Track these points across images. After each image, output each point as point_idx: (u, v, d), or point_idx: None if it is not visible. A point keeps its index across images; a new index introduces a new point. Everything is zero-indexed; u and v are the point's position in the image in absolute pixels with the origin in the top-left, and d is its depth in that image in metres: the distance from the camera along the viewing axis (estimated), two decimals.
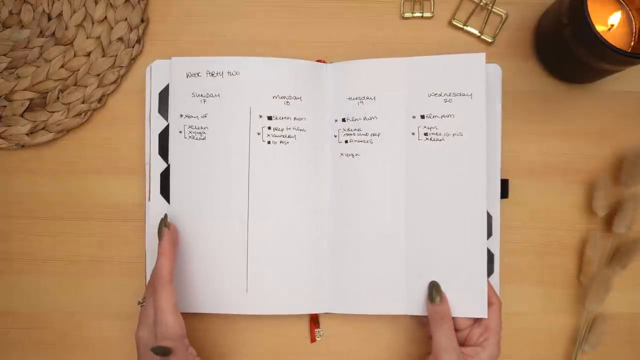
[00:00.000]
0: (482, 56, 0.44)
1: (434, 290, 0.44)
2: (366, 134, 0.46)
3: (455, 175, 0.45)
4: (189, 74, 0.47)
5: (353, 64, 0.47)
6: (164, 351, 0.38)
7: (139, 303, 0.44)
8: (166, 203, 0.47)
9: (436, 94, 0.45)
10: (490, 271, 0.47)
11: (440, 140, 0.45)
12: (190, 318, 0.49)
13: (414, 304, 0.45)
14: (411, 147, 0.46)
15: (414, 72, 0.46)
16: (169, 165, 0.47)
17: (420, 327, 0.48)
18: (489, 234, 0.47)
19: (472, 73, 0.44)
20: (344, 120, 0.47)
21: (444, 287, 0.44)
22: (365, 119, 0.46)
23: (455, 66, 0.45)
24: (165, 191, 0.47)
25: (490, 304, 0.44)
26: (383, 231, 0.46)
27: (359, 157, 0.46)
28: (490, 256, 0.47)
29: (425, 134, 0.45)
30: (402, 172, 0.46)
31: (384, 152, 0.46)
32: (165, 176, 0.47)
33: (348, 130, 0.47)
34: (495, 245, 0.47)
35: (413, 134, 0.46)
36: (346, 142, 0.47)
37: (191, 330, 0.49)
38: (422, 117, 0.45)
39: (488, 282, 0.45)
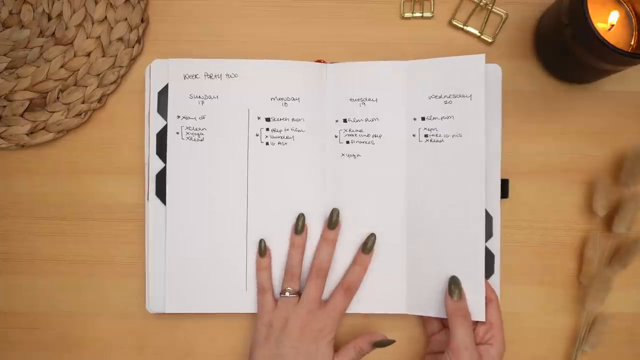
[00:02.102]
0: (481, 57, 0.44)
1: (452, 285, 0.43)
2: (368, 135, 0.46)
3: (455, 177, 0.45)
4: (187, 76, 0.47)
5: (355, 66, 0.47)
6: (388, 342, 0.44)
7: (290, 293, 0.45)
8: (161, 204, 0.47)
9: (436, 95, 0.45)
10: (490, 271, 0.47)
11: (440, 141, 0.45)
12: (190, 318, 0.49)
13: (414, 304, 0.45)
14: (412, 148, 0.46)
15: (415, 74, 0.46)
16: (165, 167, 0.47)
17: (421, 324, 0.48)
18: (490, 235, 0.47)
19: (472, 74, 0.44)
20: (345, 121, 0.47)
21: (442, 289, 0.44)
22: (367, 120, 0.46)
23: (455, 68, 0.45)
24: (161, 192, 0.47)
25: (489, 300, 0.44)
26: (383, 231, 0.46)
27: (360, 158, 0.46)
28: (491, 256, 0.47)
29: (426, 136, 0.45)
30: (402, 173, 0.46)
31: (385, 153, 0.46)
32: (161, 177, 0.47)
33: (349, 131, 0.47)
34: (495, 245, 0.47)
35: (414, 135, 0.46)
36: (347, 142, 0.47)
37: (191, 330, 0.49)
38: (423, 118, 0.45)
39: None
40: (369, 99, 0.46)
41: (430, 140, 0.45)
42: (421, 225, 0.45)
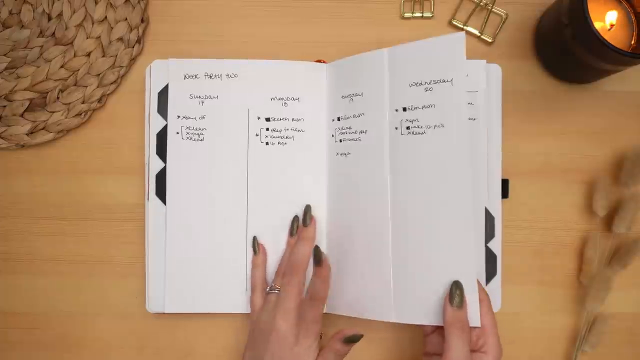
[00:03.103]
0: (461, 36, 0.40)
1: (454, 289, 0.39)
2: (355, 132, 0.45)
3: (438, 172, 0.41)
4: (187, 76, 0.47)
5: (342, 62, 0.46)
6: (358, 337, 0.40)
7: (271, 289, 0.44)
8: (161, 204, 0.47)
9: (417, 83, 0.42)
10: (492, 273, 0.46)
11: (422, 133, 0.42)
12: (190, 318, 0.49)
13: (404, 312, 0.42)
14: (394, 142, 0.43)
15: (396, 61, 0.43)
16: (165, 166, 0.47)
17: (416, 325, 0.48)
18: (491, 235, 0.46)
19: (452, 56, 0.40)
20: (339, 119, 0.46)
21: (431, 292, 0.40)
22: (354, 116, 0.45)
23: (434, 50, 0.41)
24: (161, 192, 0.47)
25: (479, 301, 0.39)
26: (371, 231, 0.44)
27: (350, 156, 0.45)
28: (493, 257, 0.46)
29: (408, 128, 0.42)
30: (386, 170, 0.43)
31: (369, 149, 0.44)
32: (161, 177, 0.47)
33: (341, 129, 0.46)
34: (497, 246, 0.47)
35: (396, 128, 0.43)
36: (340, 141, 0.46)
37: (191, 330, 0.49)
38: (404, 109, 0.42)
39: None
40: (356, 94, 0.45)
41: (412, 133, 0.42)
42: (405, 226, 0.42)
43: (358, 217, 0.45)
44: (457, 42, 0.40)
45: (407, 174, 0.42)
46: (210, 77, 0.47)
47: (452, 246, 0.40)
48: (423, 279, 0.41)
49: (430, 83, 0.41)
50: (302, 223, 0.45)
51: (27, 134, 0.49)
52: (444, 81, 0.41)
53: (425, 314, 0.41)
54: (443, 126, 0.41)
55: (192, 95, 0.47)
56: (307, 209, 0.45)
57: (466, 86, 0.40)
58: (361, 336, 0.41)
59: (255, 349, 0.42)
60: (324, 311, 0.46)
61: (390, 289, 0.43)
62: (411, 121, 0.42)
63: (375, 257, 0.44)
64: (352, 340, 0.41)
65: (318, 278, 0.42)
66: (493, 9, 0.49)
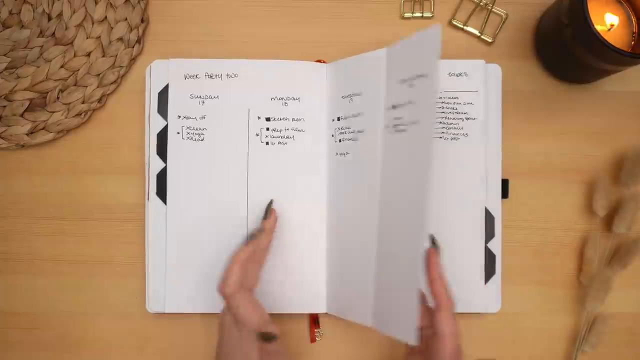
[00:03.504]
0: (436, 29, 0.36)
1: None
2: (353, 132, 0.45)
3: (412, 171, 0.38)
4: (187, 76, 0.47)
5: (343, 62, 0.46)
6: (269, 337, 0.39)
7: None
8: (162, 204, 0.47)
9: (404, 80, 0.40)
10: (492, 272, 0.47)
11: (403, 130, 0.39)
12: (190, 318, 0.49)
13: (380, 319, 0.41)
14: (385, 141, 0.42)
15: (391, 60, 0.42)
16: (165, 166, 0.47)
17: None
18: (491, 235, 0.46)
19: (428, 50, 0.37)
20: (339, 119, 0.47)
21: (408, 306, 0.37)
22: (353, 116, 0.45)
23: (417, 46, 0.39)
24: (161, 192, 0.47)
25: (439, 308, 0.38)
26: (361, 231, 0.43)
27: (348, 156, 0.45)
28: (492, 257, 0.47)
29: (395, 126, 0.41)
30: (377, 170, 0.42)
31: (364, 149, 0.44)
32: (161, 177, 0.47)
33: (341, 129, 0.46)
34: (497, 246, 0.47)
35: (387, 127, 0.42)
36: (340, 141, 0.46)
37: (191, 331, 0.49)
38: (394, 107, 0.41)
39: (443, 279, 0.38)
40: (355, 94, 0.45)
41: (398, 131, 0.40)
42: (389, 230, 0.40)
43: (353, 217, 0.45)
44: (433, 36, 0.37)
45: (394, 174, 0.41)
46: (211, 77, 0.47)
47: (411, 247, 0.37)
48: (402, 287, 0.38)
49: (413, 79, 0.39)
50: (263, 215, 0.45)
51: (27, 134, 0.49)
52: (421, 76, 0.38)
53: (399, 327, 0.38)
54: (418, 122, 0.38)
55: (193, 95, 0.47)
56: (270, 202, 0.46)
57: (440, 81, 0.40)
58: (273, 337, 0.39)
59: (218, 345, 0.41)
60: (324, 311, 0.46)
61: (370, 291, 0.42)
62: (398, 118, 0.40)
63: (362, 260, 0.43)
64: (263, 338, 0.39)
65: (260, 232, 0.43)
66: (493, 9, 0.49)
